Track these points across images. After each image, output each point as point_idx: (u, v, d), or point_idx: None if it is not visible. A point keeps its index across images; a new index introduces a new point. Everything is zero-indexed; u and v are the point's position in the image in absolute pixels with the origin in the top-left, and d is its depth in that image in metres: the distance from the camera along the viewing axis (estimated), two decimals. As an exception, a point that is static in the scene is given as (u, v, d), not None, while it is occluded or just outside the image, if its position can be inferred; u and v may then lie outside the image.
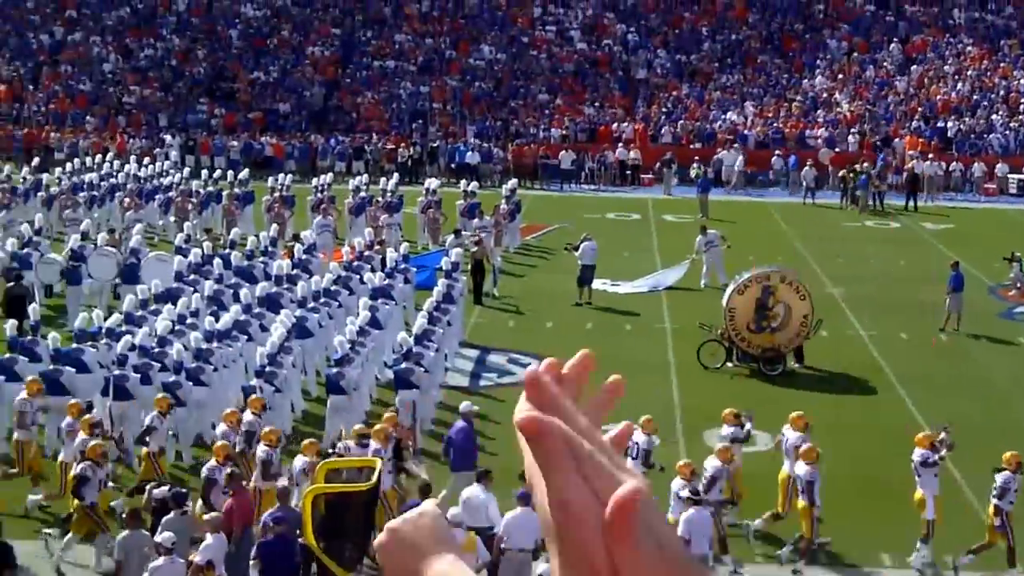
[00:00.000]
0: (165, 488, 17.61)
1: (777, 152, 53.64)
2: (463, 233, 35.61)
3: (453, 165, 53.58)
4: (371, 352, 24.72)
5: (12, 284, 29.08)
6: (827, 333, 29.26)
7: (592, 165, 54.47)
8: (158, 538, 15.90)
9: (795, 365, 28.07)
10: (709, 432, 22.90)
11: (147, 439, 19.87)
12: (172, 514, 16.81)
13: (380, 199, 39.60)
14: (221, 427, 20.34)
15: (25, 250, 31.78)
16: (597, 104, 59.41)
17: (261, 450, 18.90)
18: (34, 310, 25.57)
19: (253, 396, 20.75)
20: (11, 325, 24.08)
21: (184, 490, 17.81)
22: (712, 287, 33.52)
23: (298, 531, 15.65)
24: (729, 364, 27.86)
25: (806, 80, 61.10)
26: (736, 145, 54.53)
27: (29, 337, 23.77)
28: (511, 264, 37.30)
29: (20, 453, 20.51)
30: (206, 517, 16.58)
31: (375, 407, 23.78)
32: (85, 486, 17.95)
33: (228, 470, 17.75)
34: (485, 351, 29.10)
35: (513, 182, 42.96)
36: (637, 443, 19.61)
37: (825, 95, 59.74)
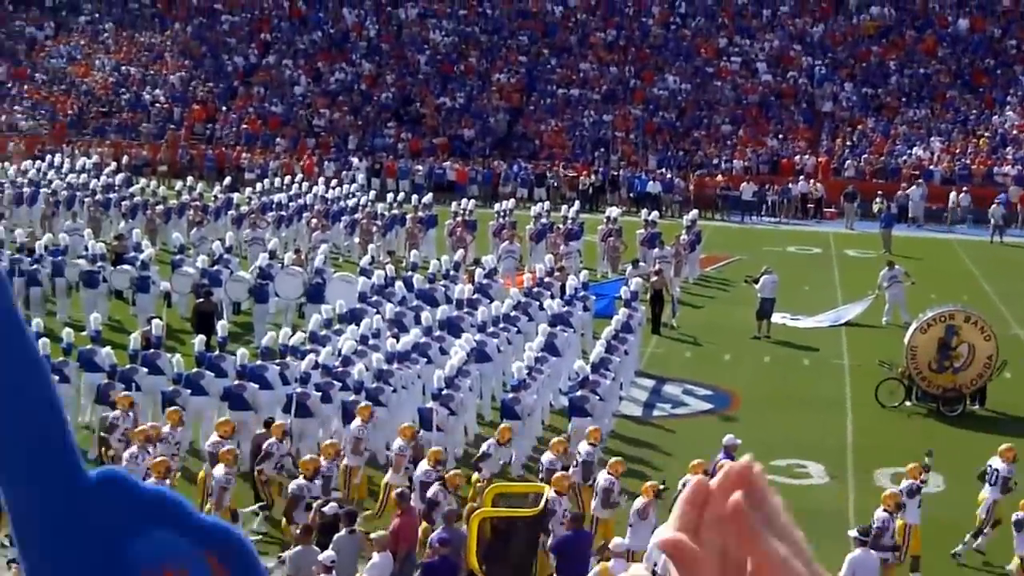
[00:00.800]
0: (335, 505, 17.92)
1: (964, 188, 52.56)
2: (642, 263, 35.63)
3: (634, 194, 53.63)
4: (547, 379, 24.89)
5: (201, 300, 29.88)
6: (1011, 375, 28.61)
7: (774, 197, 54.02)
8: (321, 556, 16.19)
9: (975, 407, 27.51)
10: (880, 472, 22.58)
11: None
12: (342, 532, 17.10)
13: (561, 226, 39.83)
14: (398, 442, 20.62)
15: (215, 267, 32.64)
16: (780, 136, 58.95)
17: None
18: (222, 326, 26.31)
19: (404, 425, 20.98)
20: (200, 341, 24.75)
21: (355, 509, 18.13)
22: (894, 324, 32.99)
23: (462, 553, 15.85)
24: (908, 403, 27.41)
25: (996, 116, 59.81)
26: (920, 181, 53.61)
27: (216, 353, 24.47)
28: (690, 295, 37.20)
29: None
30: (373, 536, 16.84)
31: (546, 432, 23.91)
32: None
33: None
34: (661, 381, 29.07)
35: (694, 213, 42.85)
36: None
37: (1015, 132, 58.39)
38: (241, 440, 21.19)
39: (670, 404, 27.69)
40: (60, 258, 32.86)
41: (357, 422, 21.21)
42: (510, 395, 23.01)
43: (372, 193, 46.28)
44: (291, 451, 21.19)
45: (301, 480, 18.84)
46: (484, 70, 64.55)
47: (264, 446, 20.35)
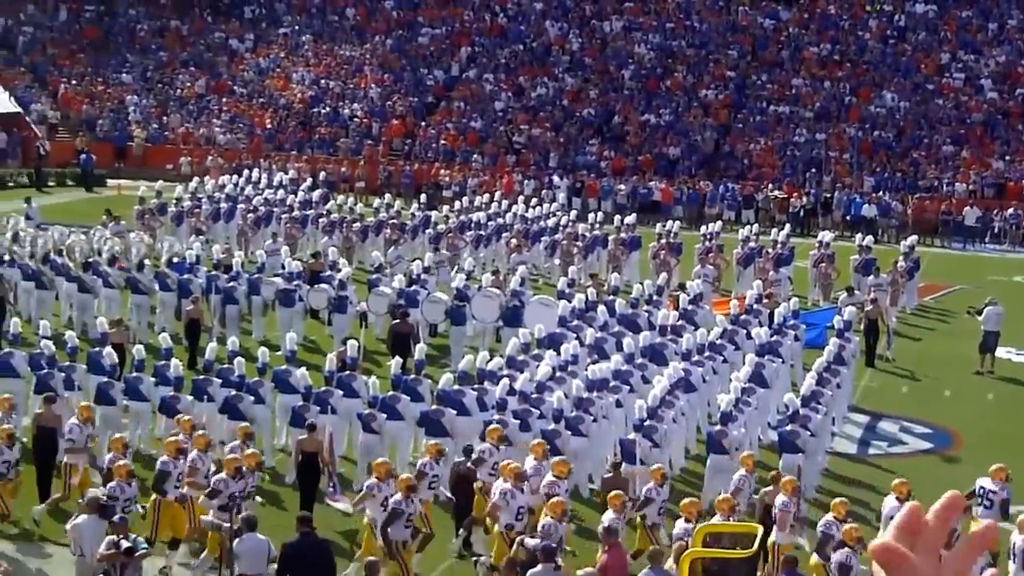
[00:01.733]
0: (536, 541, 17.88)
1: None
2: (856, 291, 34.97)
3: (848, 217, 52.79)
4: (755, 412, 24.53)
5: (398, 322, 30.18)
6: None
7: (1000, 223, 52.62)
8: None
9: None
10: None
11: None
12: (540, 567, 17.04)
13: (770, 251, 39.32)
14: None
15: (412, 287, 32.97)
16: (1007, 157, 57.40)
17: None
18: (420, 349, 26.51)
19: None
20: (396, 363, 24.95)
21: (554, 545, 18.05)
22: None
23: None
24: None
25: None
26: None
27: (412, 376, 24.66)
28: (907, 325, 36.39)
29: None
30: (580, 573, 16.75)
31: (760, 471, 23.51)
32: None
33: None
34: (876, 417, 28.45)
35: (912, 238, 41.90)
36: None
37: None
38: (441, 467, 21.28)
39: (887, 442, 27.07)
40: (256, 276, 33.56)
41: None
42: (716, 428, 22.71)
43: (573, 213, 46.26)
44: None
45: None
46: (690, 86, 64.21)
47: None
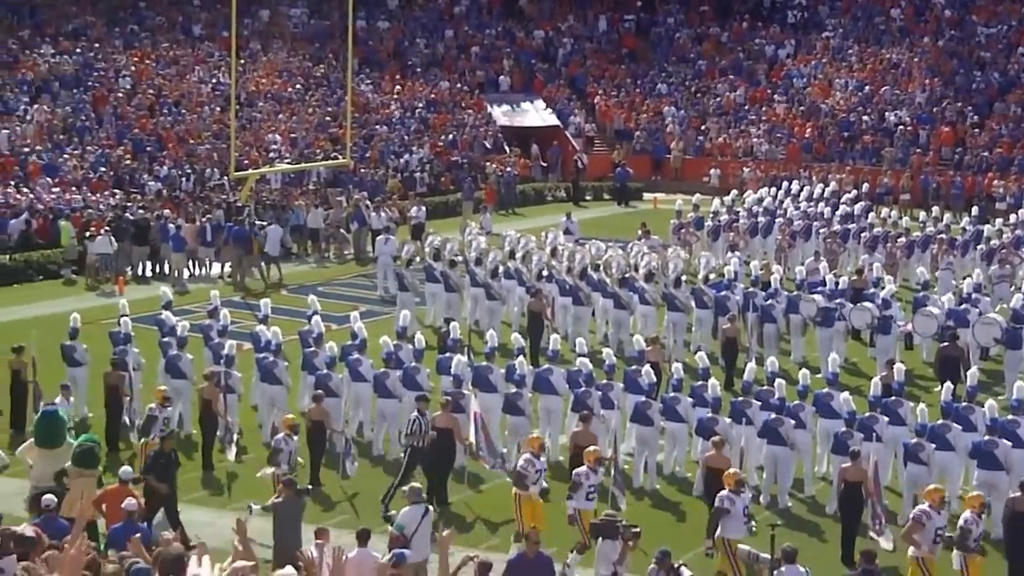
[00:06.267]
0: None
1: None
2: None
3: None
4: None
5: (946, 344, 29.32)
6: None
7: None
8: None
9: None
10: None
11: None
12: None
13: None
14: None
15: (962, 307, 32.06)
16: None
17: None
18: (971, 375, 25.72)
19: None
20: (946, 389, 24.36)
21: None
22: None
23: None
24: None
25: None
26: None
27: (965, 403, 23.97)
28: None
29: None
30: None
31: None
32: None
33: None
34: None
35: None
36: None
37: None
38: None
39: None
40: (796, 294, 33.50)
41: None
42: None
43: None
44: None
45: None
46: None
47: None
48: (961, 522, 18.84)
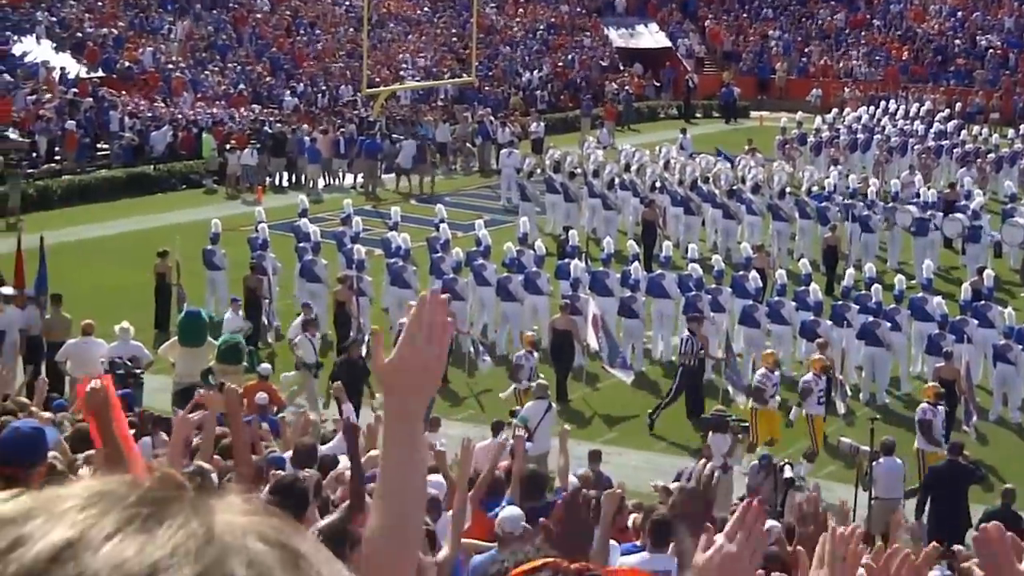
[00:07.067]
0: None
1: None
2: None
3: None
4: None
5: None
6: None
7: None
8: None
9: None
10: None
11: None
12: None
13: None
14: None
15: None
16: None
17: None
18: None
19: None
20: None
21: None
22: None
23: None
24: None
25: None
26: None
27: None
28: None
29: None
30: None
31: None
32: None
33: None
34: None
35: None
36: None
37: None
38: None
39: None
40: (891, 205, 33.05)
41: None
42: None
43: None
44: None
45: None
46: None
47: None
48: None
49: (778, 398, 20.81)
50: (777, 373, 20.98)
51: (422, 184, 40.89)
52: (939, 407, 18.61)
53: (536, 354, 21.89)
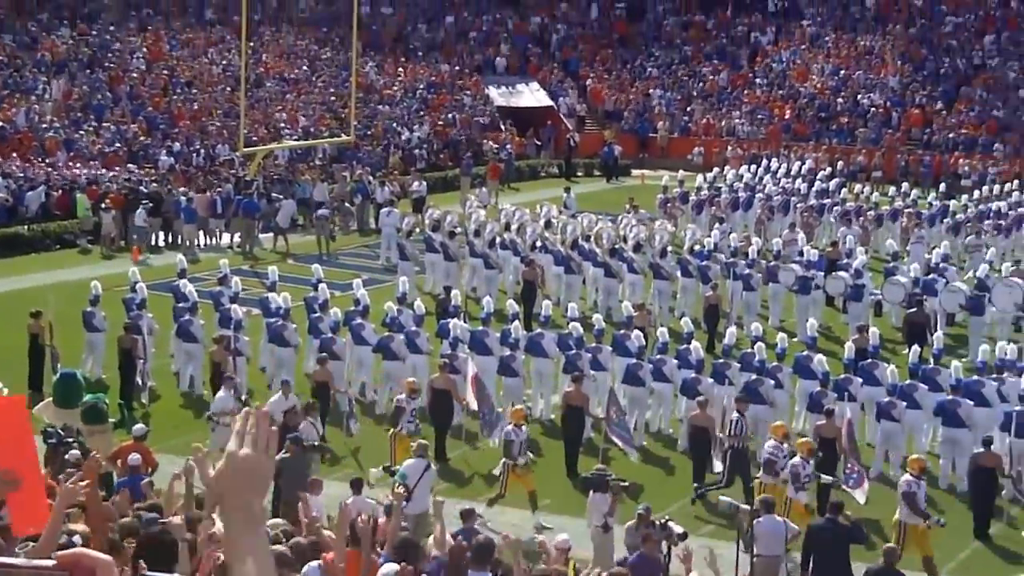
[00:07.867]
0: None
1: None
2: None
3: None
4: None
5: (913, 311, 29.49)
6: None
7: None
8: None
9: None
10: None
11: None
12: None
13: None
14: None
15: (929, 276, 32.25)
16: None
17: None
18: (937, 338, 25.82)
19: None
20: (914, 352, 24.52)
21: None
22: None
23: None
24: None
25: None
26: None
27: (931, 365, 24.07)
28: None
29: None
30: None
31: None
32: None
33: None
34: None
35: None
36: None
37: None
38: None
39: None
40: (774, 264, 33.53)
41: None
42: None
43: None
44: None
45: None
46: None
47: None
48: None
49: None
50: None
51: (320, 243, 40.59)
52: (922, 480, 18.75)
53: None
